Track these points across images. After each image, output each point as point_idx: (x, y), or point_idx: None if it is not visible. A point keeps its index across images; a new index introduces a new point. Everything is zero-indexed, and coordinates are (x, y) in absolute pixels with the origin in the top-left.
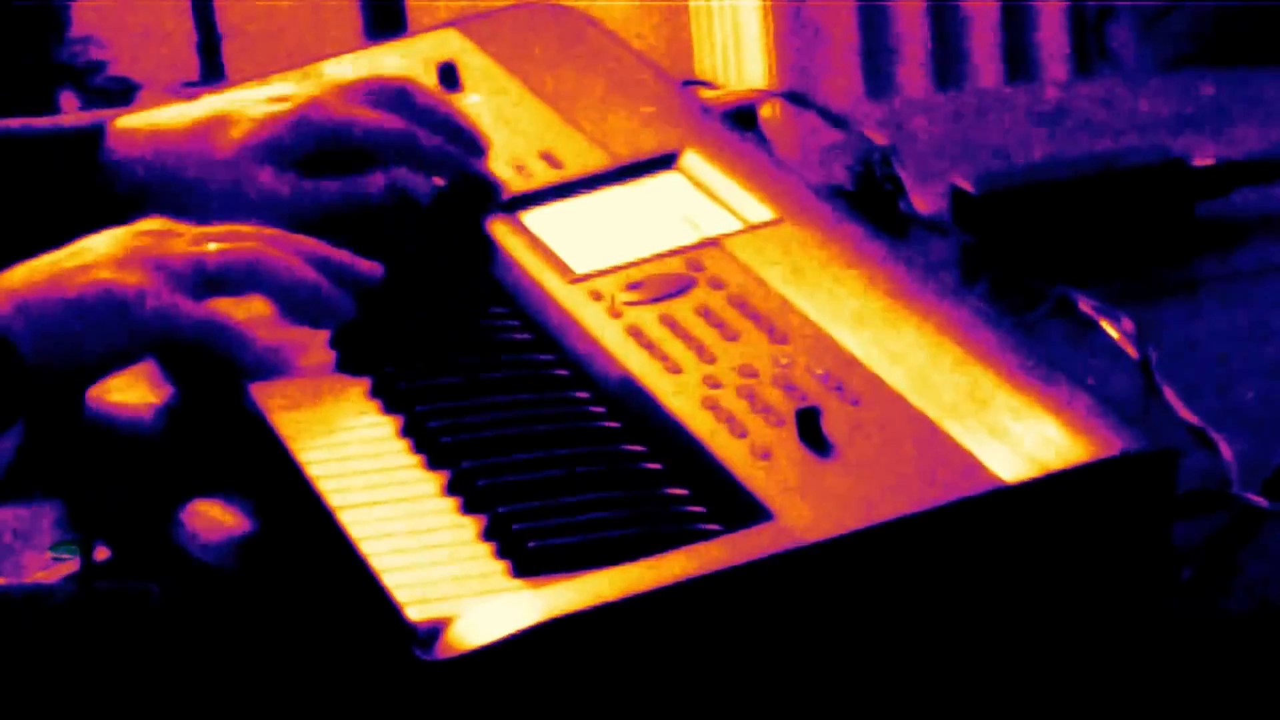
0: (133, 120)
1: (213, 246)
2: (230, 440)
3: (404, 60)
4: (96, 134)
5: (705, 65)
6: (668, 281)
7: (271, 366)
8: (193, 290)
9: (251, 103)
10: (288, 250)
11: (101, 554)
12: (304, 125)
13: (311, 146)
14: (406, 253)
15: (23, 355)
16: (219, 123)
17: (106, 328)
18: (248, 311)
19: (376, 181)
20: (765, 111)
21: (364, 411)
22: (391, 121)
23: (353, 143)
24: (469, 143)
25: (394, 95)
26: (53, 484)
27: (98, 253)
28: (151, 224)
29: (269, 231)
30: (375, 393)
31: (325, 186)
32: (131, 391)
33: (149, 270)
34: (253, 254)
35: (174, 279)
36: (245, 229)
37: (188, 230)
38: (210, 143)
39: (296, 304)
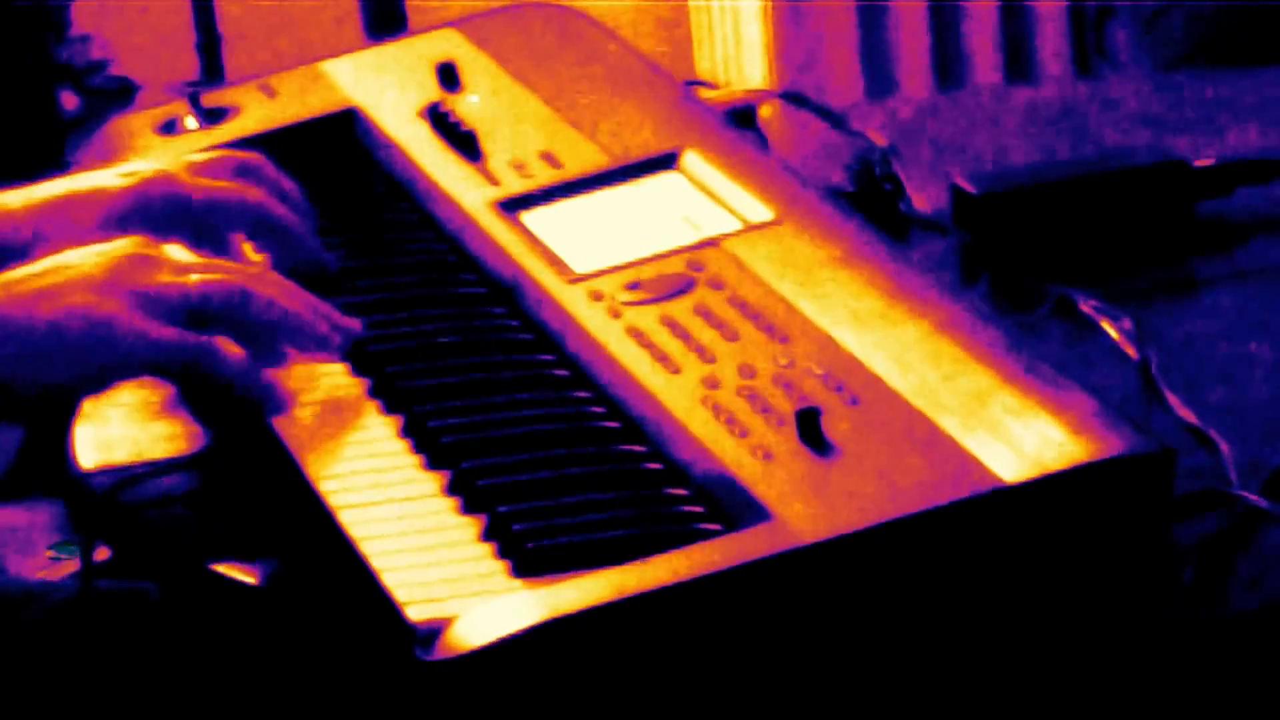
0: None
1: (195, 277)
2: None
3: (404, 60)
4: None
5: (705, 65)
6: (668, 281)
7: (259, 390)
8: (171, 319)
9: (97, 180)
10: (271, 286)
11: (101, 554)
12: (147, 198)
13: (157, 219)
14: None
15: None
16: (66, 204)
17: (82, 354)
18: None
19: None
20: (765, 111)
21: (364, 412)
22: (233, 189)
23: (194, 210)
24: (307, 219)
25: (242, 169)
26: (52, 484)
27: (76, 272)
28: (131, 244)
29: (251, 269)
30: (375, 393)
31: None
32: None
33: (129, 298)
34: (237, 286)
35: (154, 307)
36: (227, 263)
37: (169, 258)
38: (57, 225)
39: (280, 338)
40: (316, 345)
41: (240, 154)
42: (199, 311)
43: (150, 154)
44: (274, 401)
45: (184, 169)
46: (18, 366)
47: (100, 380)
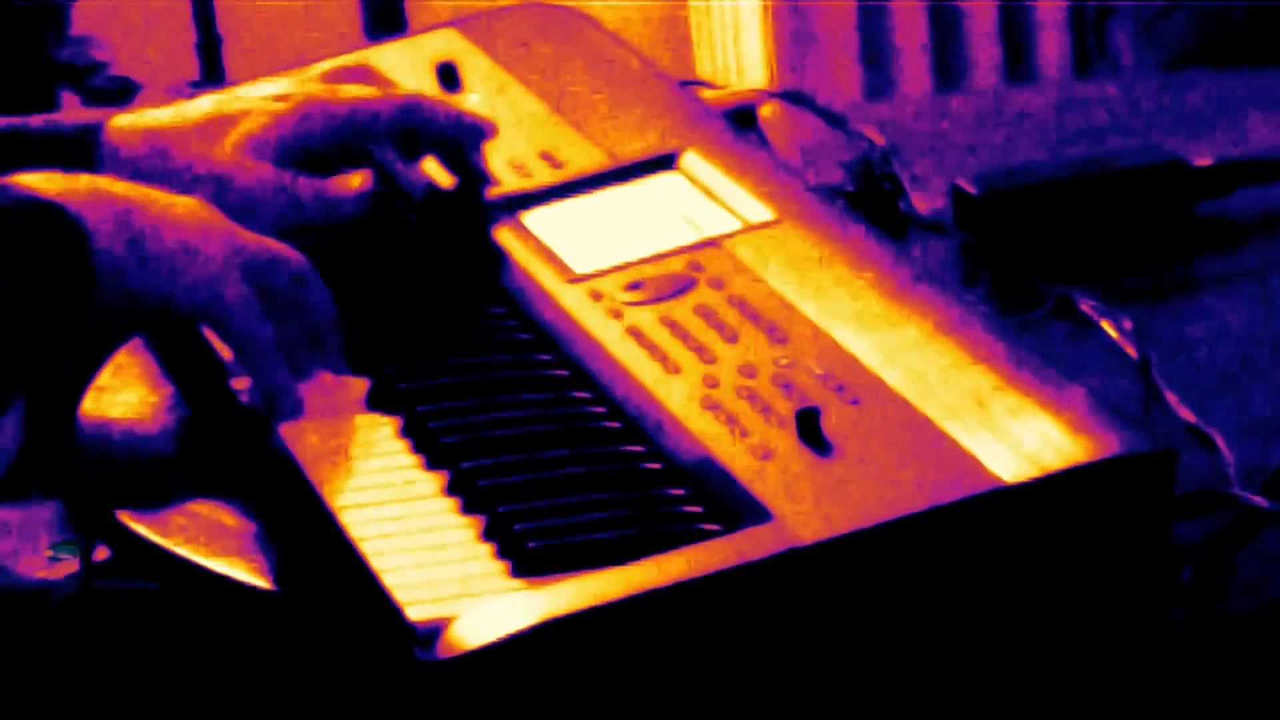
0: (130, 119)
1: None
2: (227, 436)
3: (404, 60)
4: (93, 133)
5: (705, 65)
6: (668, 281)
7: (283, 394)
8: (250, 277)
9: (253, 101)
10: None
11: (101, 554)
12: (308, 119)
13: (317, 138)
14: (405, 255)
15: (92, 255)
16: (221, 122)
17: (182, 275)
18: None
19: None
20: (765, 111)
21: (364, 412)
22: (391, 99)
23: (357, 126)
24: (472, 126)
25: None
26: (52, 484)
27: (189, 204)
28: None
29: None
30: (375, 393)
31: (324, 185)
32: (127, 394)
33: (230, 239)
34: (306, 268)
35: (246, 259)
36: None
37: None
38: (212, 141)
39: (314, 336)
40: (332, 356)
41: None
42: (269, 274)
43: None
44: (289, 406)
45: (335, 88)
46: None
47: (164, 309)
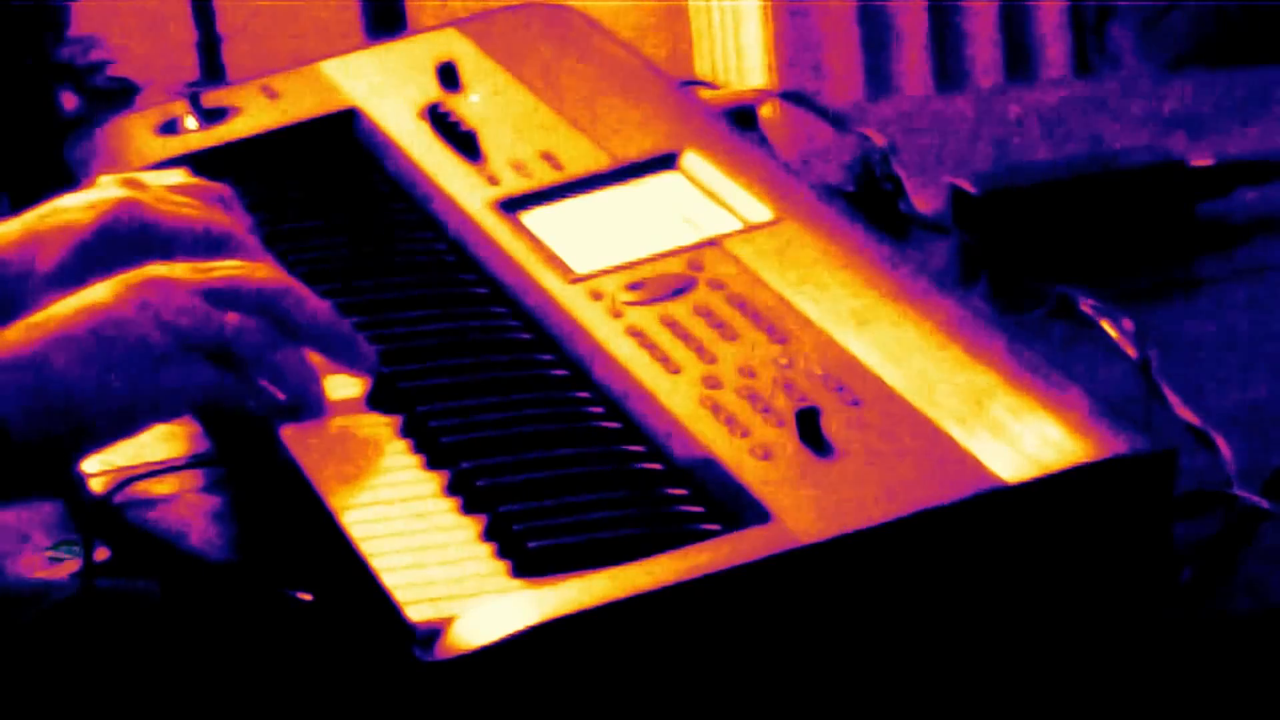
0: None
1: (233, 318)
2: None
3: (404, 60)
4: None
5: (705, 65)
6: (668, 281)
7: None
8: (204, 353)
9: (61, 212)
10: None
11: (101, 554)
12: (113, 227)
13: (124, 247)
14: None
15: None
16: (31, 240)
17: (126, 408)
18: None
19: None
20: (765, 111)
21: (363, 412)
22: (201, 215)
23: (161, 236)
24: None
25: (211, 196)
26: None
27: (100, 299)
28: (147, 270)
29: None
30: (374, 393)
31: None
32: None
33: (167, 337)
34: (265, 336)
35: (191, 341)
36: (262, 271)
37: (189, 279)
38: (27, 266)
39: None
40: (351, 359)
41: (209, 183)
42: (228, 348)
43: (140, 157)
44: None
45: (151, 195)
46: (41, 410)
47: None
